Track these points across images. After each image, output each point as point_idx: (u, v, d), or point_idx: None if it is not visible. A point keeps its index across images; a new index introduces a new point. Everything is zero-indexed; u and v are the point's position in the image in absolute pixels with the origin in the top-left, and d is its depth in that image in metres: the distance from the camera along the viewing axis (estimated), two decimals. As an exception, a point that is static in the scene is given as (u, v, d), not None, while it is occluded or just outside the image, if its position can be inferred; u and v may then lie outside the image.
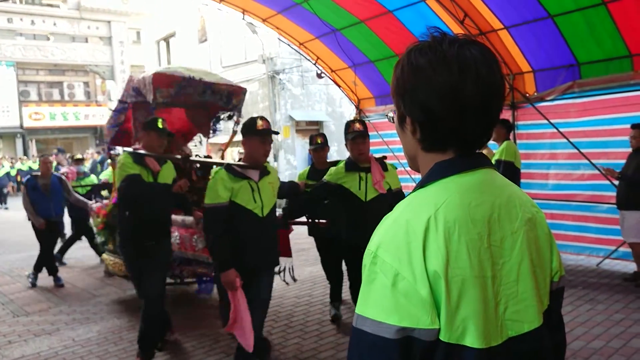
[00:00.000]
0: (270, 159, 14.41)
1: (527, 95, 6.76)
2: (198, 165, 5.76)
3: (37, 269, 6.74)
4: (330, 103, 15.22)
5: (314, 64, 9.32)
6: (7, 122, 25.61)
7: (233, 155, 13.67)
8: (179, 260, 4.97)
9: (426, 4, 6.60)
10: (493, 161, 5.81)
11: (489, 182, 0.96)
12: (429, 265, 0.84)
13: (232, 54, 15.88)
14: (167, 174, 4.16)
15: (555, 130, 6.27)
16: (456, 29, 6.72)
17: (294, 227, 4.80)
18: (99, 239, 6.02)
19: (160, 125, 4.04)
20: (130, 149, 4.16)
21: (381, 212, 2.94)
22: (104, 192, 8.22)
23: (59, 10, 25.85)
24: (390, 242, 0.88)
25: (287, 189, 4.26)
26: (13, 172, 21.02)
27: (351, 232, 3.97)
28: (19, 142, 26.22)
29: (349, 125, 4.03)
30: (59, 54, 26.19)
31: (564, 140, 6.22)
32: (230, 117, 5.93)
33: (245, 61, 15.24)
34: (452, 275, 0.85)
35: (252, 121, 3.37)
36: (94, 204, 6.24)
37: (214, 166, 4.77)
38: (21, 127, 26.15)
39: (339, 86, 9.50)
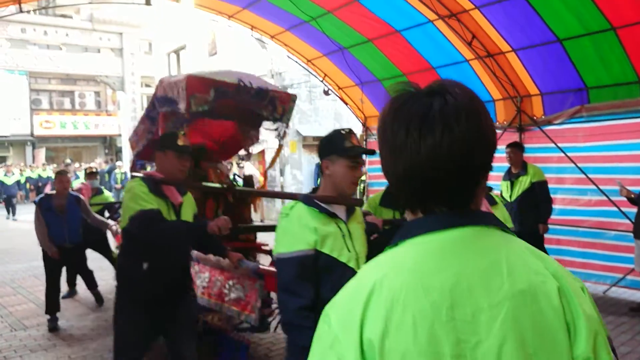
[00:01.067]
0: (276, 173, 14.43)
1: (535, 118, 6.71)
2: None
3: (51, 310, 5.60)
4: (337, 119, 15.22)
5: (322, 81, 9.32)
6: (18, 129, 25.84)
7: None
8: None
9: (434, 25, 6.60)
10: (528, 185, 5.65)
11: (467, 243, 0.83)
12: (365, 333, 0.76)
13: (241, 67, 15.95)
14: (188, 206, 3.27)
15: (562, 154, 6.20)
16: (464, 51, 6.71)
17: None
18: None
19: (180, 143, 3.13)
20: (139, 174, 3.29)
21: None
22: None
23: (72, 21, 26.18)
24: (339, 302, 0.83)
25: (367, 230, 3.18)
26: (22, 180, 21.14)
27: None
28: (28, 150, 26.45)
29: None
30: (70, 64, 26.47)
31: (571, 164, 6.14)
32: (277, 129, 4.93)
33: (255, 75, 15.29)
34: (388, 348, 0.75)
35: (338, 137, 2.28)
36: (114, 226, 5.66)
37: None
38: (32, 135, 26.37)
39: (346, 103, 9.49)
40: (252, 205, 4.98)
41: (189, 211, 3.24)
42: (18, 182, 19.42)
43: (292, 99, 4.77)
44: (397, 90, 0.91)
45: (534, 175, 5.71)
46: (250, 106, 4.50)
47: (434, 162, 0.83)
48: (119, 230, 4.92)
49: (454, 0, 6.03)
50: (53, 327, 5.48)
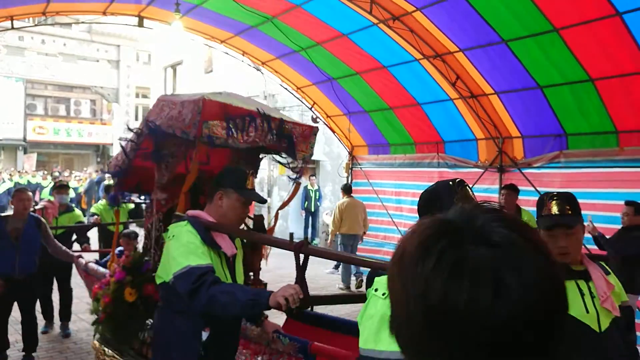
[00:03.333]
0: (264, 194, 14.43)
1: (515, 159, 6.79)
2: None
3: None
4: (327, 143, 15.28)
5: (310, 109, 9.41)
6: (11, 134, 25.79)
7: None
8: None
9: (420, 64, 6.70)
10: None
11: None
12: None
13: (235, 87, 16.06)
14: (240, 257, 2.74)
15: (537, 198, 6.25)
16: (449, 90, 6.81)
17: None
18: (95, 327, 3.81)
19: (249, 186, 2.61)
20: (182, 215, 2.65)
21: (618, 346, 1.90)
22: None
23: (70, 31, 26.36)
24: None
25: None
26: (12, 185, 20.95)
27: None
28: (20, 155, 26.36)
29: (545, 202, 2.31)
30: (66, 73, 26.59)
31: (548, 209, 6.20)
32: (294, 166, 3.94)
33: (248, 95, 15.39)
34: None
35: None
36: (81, 258, 4.99)
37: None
38: (24, 139, 26.32)
39: (334, 132, 9.57)
40: (262, 253, 3.98)
41: (240, 263, 2.72)
42: (9, 190, 17.06)
43: (314, 132, 3.79)
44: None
45: (527, 221, 5.67)
46: (272, 146, 3.60)
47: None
48: (89, 265, 4.55)
49: (439, 41, 6.15)
50: None
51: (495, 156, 6.97)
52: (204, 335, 2.36)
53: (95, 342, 3.98)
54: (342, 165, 9.90)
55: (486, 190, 7.10)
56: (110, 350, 3.76)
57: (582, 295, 2.12)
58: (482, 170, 7.10)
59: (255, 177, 3.39)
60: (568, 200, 2.28)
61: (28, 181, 21.76)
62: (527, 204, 6.33)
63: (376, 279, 1.74)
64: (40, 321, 5.66)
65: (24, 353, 5.01)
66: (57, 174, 21.81)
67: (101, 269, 4.56)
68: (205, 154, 3.31)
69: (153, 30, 8.99)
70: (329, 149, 15.52)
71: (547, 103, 5.99)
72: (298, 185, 4.11)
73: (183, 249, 2.34)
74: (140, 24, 7.91)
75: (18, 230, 4.79)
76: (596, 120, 5.76)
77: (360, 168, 9.21)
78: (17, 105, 25.95)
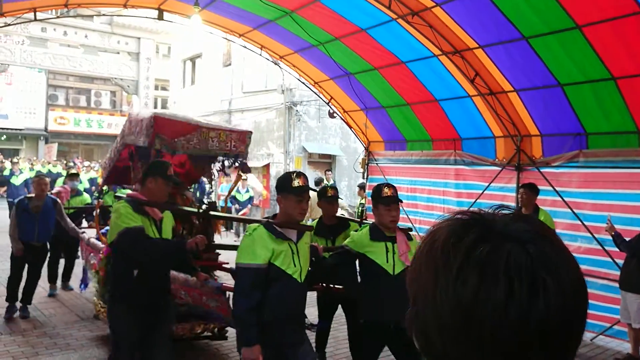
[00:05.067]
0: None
1: (534, 158, 6.71)
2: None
3: (10, 298, 6.15)
4: (344, 138, 15.29)
5: (327, 104, 9.40)
6: (33, 123, 26.23)
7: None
8: (191, 316, 4.62)
9: (439, 60, 6.65)
10: None
11: None
12: None
13: (253, 80, 16.13)
14: (168, 224, 3.71)
15: (554, 198, 6.19)
16: (467, 87, 6.75)
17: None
18: (99, 288, 5.35)
19: (169, 172, 3.63)
20: (121, 194, 3.85)
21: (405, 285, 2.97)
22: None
23: (92, 23, 26.65)
24: None
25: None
26: (32, 174, 21.27)
27: (379, 310, 3.48)
28: (41, 144, 26.80)
29: (381, 189, 3.62)
30: (87, 65, 26.93)
31: (564, 209, 6.13)
32: (234, 162, 5.39)
33: (266, 89, 15.45)
34: None
35: (287, 177, 3.09)
36: (84, 234, 6.12)
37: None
38: (45, 130, 26.75)
39: (350, 127, 9.55)
40: (216, 227, 5.51)
41: (168, 225, 3.72)
42: (26, 181, 14.66)
43: (248, 135, 5.38)
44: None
45: (544, 221, 5.58)
46: (213, 148, 5.06)
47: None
48: (90, 240, 5.79)
49: (458, 37, 6.09)
50: (8, 316, 6.01)
51: (513, 154, 6.89)
52: (135, 273, 3.44)
53: (94, 298, 5.75)
54: (359, 161, 9.89)
55: (502, 189, 7.03)
56: (102, 304, 5.16)
57: (387, 251, 3.54)
58: (500, 169, 7.03)
59: (212, 177, 5.76)
60: (394, 187, 3.67)
61: (49, 170, 22.15)
62: (545, 203, 6.27)
63: (249, 225, 3.23)
64: (46, 286, 7.16)
65: (21, 304, 6.20)
66: (71, 164, 22.23)
67: (99, 243, 5.55)
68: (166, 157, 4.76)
69: (173, 23, 9.04)
70: (345, 144, 15.52)
71: (567, 101, 5.90)
72: (239, 177, 5.89)
73: (121, 217, 3.36)
74: (160, 17, 7.97)
75: (38, 207, 6.14)
76: (617, 120, 5.65)
77: (377, 164, 9.18)
78: (39, 96, 26.36)
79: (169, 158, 5.10)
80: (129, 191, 4.92)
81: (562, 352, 0.62)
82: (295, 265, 3.03)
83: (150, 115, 4.60)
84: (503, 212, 0.69)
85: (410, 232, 3.80)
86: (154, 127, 4.52)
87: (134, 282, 3.41)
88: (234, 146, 5.18)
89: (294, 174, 3.10)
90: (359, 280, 3.80)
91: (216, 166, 5.53)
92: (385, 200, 3.58)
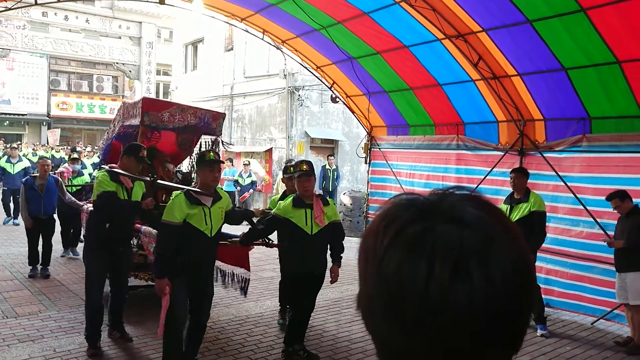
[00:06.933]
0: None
1: (537, 143, 6.68)
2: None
3: (31, 262, 7.48)
4: (347, 123, 15.23)
5: (330, 88, 9.35)
6: (35, 109, 26.21)
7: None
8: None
9: (442, 44, 6.60)
10: (527, 212, 5.55)
11: None
12: None
13: (255, 65, 16.04)
14: (138, 190, 4.95)
15: (557, 182, 6.17)
16: (470, 71, 6.70)
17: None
18: None
19: (140, 154, 4.83)
20: (106, 167, 4.93)
21: (324, 243, 4.72)
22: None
23: (93, 8, 26.46)
24: None
25: (240, 216, 4.83)
26: (35, 159, 21.29)
27: (301, 263, 4.55)
28: (44, 130, 26.81)
29: (296, 165, 4.76)
30: (88, 49, 26.80)
31: (566, 194, 6.12)
32: (214, 142, 6.90)
33: (268, 74, 15.37)
34: None
35: (202, 154, 4.29)
36: (85, 205, 6.88)
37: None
38: (48, 115, 26.73)
39: (353, 112, 9.51)
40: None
41: (138, 192, 4.94)
42: (25, 169, 12.20)
43: (222, 116, 6.86)
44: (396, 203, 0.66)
45: (534, 204, 5.57)
46: (191, 122, 6.38)
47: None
48: (85, 208, 6.78)
49: (462, 21, 6.03)
50: (32, 274, 7.33)
51: (516, 139, 6.87)
52: (107, 226, 4.73)
53: None
54: (361, 146, 9.86)
55: (504, 173, 7.00)
56: None
57: (306, 216, 4.49)
58: (502, 153, 7.01)
59: (192, 152, 7.10)
60: (310, 163, 4.67)
61: (52, 155, 22.19)
62: (547, 188, 6.28)
63: (173, 192, 4.62)
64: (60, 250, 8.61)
65: (41, 266, 7.48)
66: (78, 149, 22.24)
67: None
68: (149, 133, 6.44)
69: (174, 8, 8.97)
70: (348, 129, 15.47)
71: (571, 85, 5.86)
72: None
73: (101, 183, 4.60)
74: (162, 1, 7.91)
75: (42, 185, 7.36)
76: (622, 104, 5.62)
77: (379, 149, 9.16)
78: (41, 81, 26.31)
79: (157, 140, 6.58)
80: None
81: (492, 344, 0.58)
82: (206, 224, 4.00)
83: (140, 99, 6.19)
84: (458, 192, 0.65)
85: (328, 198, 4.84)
86: (142, 107, 5.85)
87: (105, 231, 4.69)
88: (207, 122, 6.53)
89: (207, 151, 4.53)
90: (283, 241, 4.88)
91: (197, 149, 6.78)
92: (297, 174, 4.56)
